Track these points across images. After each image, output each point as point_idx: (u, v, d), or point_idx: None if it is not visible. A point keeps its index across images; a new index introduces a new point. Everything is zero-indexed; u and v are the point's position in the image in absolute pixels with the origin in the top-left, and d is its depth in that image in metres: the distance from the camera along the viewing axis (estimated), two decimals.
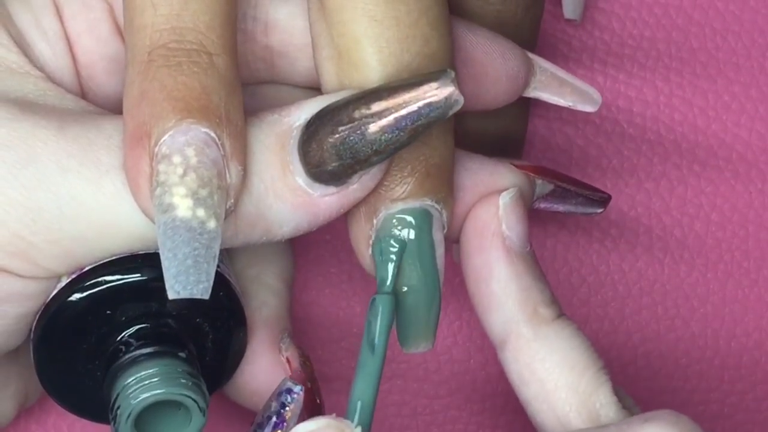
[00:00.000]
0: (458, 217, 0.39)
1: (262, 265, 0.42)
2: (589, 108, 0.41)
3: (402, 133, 0.35)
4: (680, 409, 0.49)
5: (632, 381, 0.49)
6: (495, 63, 0.39)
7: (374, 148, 0.35)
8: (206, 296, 0.34)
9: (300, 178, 0.36)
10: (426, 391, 0.49)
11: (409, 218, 0.37)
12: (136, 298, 0.38)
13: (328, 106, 0.36)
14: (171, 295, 0.34)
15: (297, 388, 0.39)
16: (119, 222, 0.36)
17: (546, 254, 0.49)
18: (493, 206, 0.39)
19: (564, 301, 0.49)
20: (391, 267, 0.37)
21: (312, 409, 0.40)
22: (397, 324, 0.38)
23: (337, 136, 0.35)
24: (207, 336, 0.39)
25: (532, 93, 0.41)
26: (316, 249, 0.48)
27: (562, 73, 0.41)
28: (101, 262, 0.38)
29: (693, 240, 0.49)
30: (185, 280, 0.34)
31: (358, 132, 0.35)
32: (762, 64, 0.49)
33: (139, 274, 0.37)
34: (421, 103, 0.34)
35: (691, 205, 0.49)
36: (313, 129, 0.36)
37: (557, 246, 0.49)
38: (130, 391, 0.37)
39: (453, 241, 0.40)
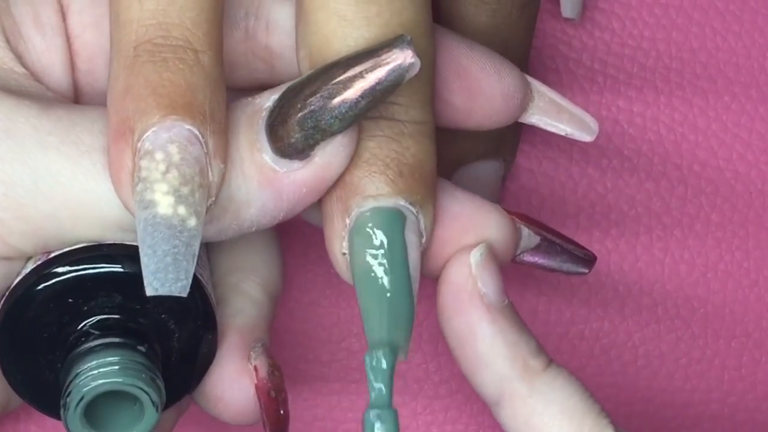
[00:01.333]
0: (436, 253, 0.39)
1: (244, 273, 0.42)
2: (586, 137, 0.41)
3: (361, 100, 0.35)
4: (680, 409, 0.49)
5: (632, 381, 0.49)
6: (490, 79, 0.39)
7: (335, 115, 0.35)
8: (184, 294, 0.34)
9: (266, 155, 0.36)
10: (426, 391, 0.49)
11: (382, 217, 0.37)
12: (101, 289, 0.37)
13: (293, 84, 0.36)
14: (149, 292, 0.34)
15: None
16: (94, 203, 0.36)
17: None
18: (465, 266, 0.38)
19: (564, 301, 0.49)
20: (387, 376, 0.37)
21: (274, 420, 0.39)
22: (367, 327, 0.37)
23: (301, 109, 0.35)
24: (172, 334, 0.38)
25: (530, 119, 0.40)
26: (316, 250, 0.48)
27: (560, 99, 0.41)
28: (68, 249, 0.37)
29: (693, 240, 0.49)
30: (164, 278, 0.34)
31: (320, 103, 0.35)
32: (762, 64, 0.49)
33: (105, 265, 0.37)
34: (378, 69, 0.35)
35: (691, 205, 0.49)
36: (279, 106, 0.36)
37: None
38: (81, 378, 0.37)
39: (432, 273, 0.39)
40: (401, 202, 0.37)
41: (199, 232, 0.34)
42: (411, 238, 0.37)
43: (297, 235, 0.48)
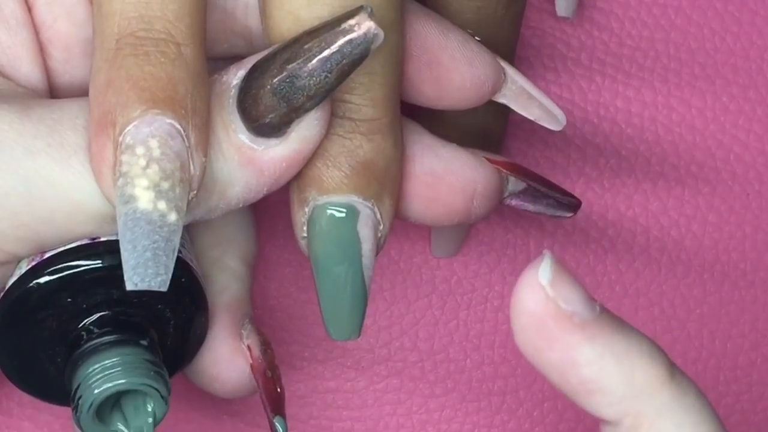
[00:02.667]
0: (429, 214, 0.40)
1: (224, 246, 0.43)
2: (552, 126, 0.42)
3: (329, 75, 0.35)
4: None
5: None
6: (461, 68, 0.40)
7: (305, 92, 0.35)
8: (164, 289, 0.34)
9: (243, 135, 0.36)
10: (421, 389, 0.49)
11: (335, 211, 0.38)
12: (98, 285, 0.38)
13: (258, 61, 0.36)
14: (129, 287, 0.34)
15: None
16: (87, 202, 0.36)
17: None
18: (538, 291, 0.33)
19: None
20: None
21: (273, 398, 0.40)
22: (322, 312, 0.39)
23: (269, 87, 0.36)
24: (168, 322, 0.39)
25: (500, 100, 0.41)
26: None
27: (531, 88, 0.41)
28: (63, 248, 0.38)
29: (690, 241, 0.49)
30: (143, 273, 0.34)
31: (288, 79, 0.35)
32: (760, 66, 0.49)
33: (100, 261, 0.37)
34: (341, 41, 0.35)
35: (688, 206, 0.49)
36: (247, 84, 0.36)
37: (554, 246, 0.49)
38: (91, 381, 0.37)
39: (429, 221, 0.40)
40: (354, 198, 0.37)
41: (179, 228, 0.35)
42: (364, 232, 0.38)
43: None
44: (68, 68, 0.40)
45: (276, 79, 0.35)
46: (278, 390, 0.40)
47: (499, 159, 0.41)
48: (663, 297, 0.49)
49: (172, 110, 0.35)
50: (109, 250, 0.37)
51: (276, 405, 0.40)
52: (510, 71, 0.41)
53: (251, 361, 0.40)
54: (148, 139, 0.34)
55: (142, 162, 0.34)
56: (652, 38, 0.49)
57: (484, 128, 0.45)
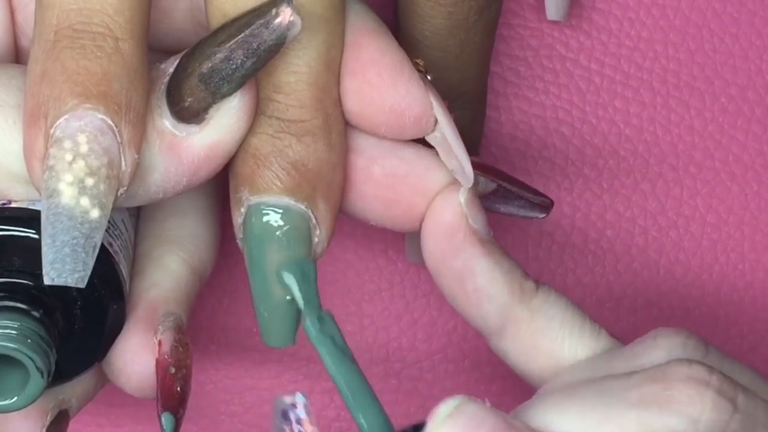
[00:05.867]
0: (395, 215, 0.40)
1: (168, 247, 0.42)
2: (463, 182, 0.40)
3: (244, 60, 0.35)
4: None
5: None
6: (383, 88, 0.39)
7: (222, 77, 0.35)
8: (81, 285, 0.34)
9: (167, 120, 0.36)
10: (420, 390, 0.49)
11: (267, 212, 0.37)
12: (2, 251, 0.37)
13: (188, 49, 0.36)
14: (46, 281, 0.34)
15: (296, 399, 0.37)
16: (4, 158, 0.36)
17: (542, 254, 0.49)
18: (456, 206, 0.40)
19: None
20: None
21: (168, 395, 0.39)
22: (257, 317, 0.38)
23: (191, 72, 0.36)
24: (74, 302, 0.39)
25: (429, 140, 0.40)
26: None
27: (453, 140, 0.39)
28: None
29: (689, 242, 0.49)
30: (61, 268, 0.34)
31: (209, 65, 0.35)
32: (759, 67, 0.49)
33: (8, 228, 0.37)
34: (257, 25, 0.35)
35: (687, 207, 0.49)
36: (175, 71, 0.36)
37: (553, 246, 0.49)
38: None
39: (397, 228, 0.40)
40: (286, 199, 0.37)
41: (101, 225, 0.34)
42: (296, 235, 0.38)
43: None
44: None
45: (198, 63, 0.36)
46: (178, 389, 0.39)
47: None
48: (661, 298, 0.49)
49: (105, 105, 0.35)
50: (19, 216, 0.37)
51: (168, 402, 0.39)
52: (441, 117, 0.39)
53: (157, 356, 0.39)
54: (77, 134, 0.34)
55: (69, 156, 0.34)
56: (651, 39, 0.49)
57: (461, 131, 0.45)
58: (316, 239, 0.38)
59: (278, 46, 0.35)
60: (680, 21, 0.49)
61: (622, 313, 0.49)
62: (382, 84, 0.39)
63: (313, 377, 0.49)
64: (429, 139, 0.40)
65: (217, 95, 0.36)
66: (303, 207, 0.37)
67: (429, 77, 0.40)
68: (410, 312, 0.49)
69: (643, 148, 0.49)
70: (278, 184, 0.37)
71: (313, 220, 0.38)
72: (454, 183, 0.40)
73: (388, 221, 0.40)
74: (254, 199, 0.37)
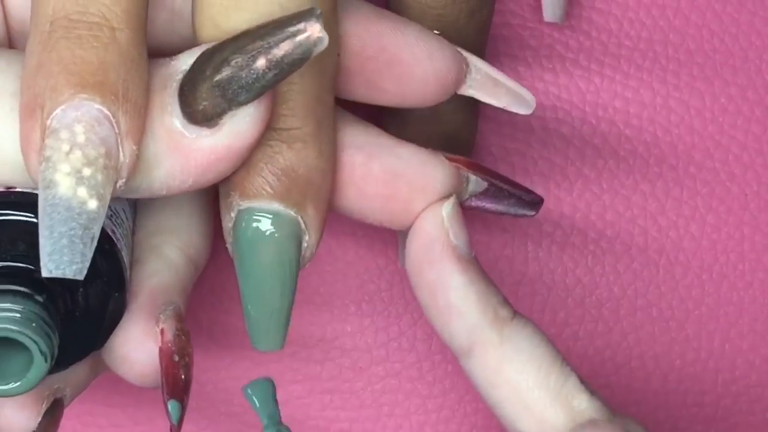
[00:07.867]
0: (388, 215, 0.40)
1: (166, 236, 0.42)
2: (523, 110, 0.41)
3: (267, 71, 0.35)
4: (674, 410, 0.49)
5: (627, 382, 0.49)
6: (421, 63, 0.40)
7: (242, 85, 0.35)
8: (80, 277, 0.34)
9: (177, 119, 0.36)
10: (419, 390, 0.49)
11: (256, 217, 0.37)
12: (5, 235, 0.37)
13: (206, 50, 0.36)
14: (44, 273, 0.34)
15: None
16: (4, 148, 0.36)
17: (542, 254, 0.49)
18: (438, 218, 0.40)
19: (558, 301, 0.49)
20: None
21: (173, 382, 0.39)
22: (246, 321, 0.38)
23: (210, 76, 0.35)
24: (77, 288, 0.38)
25: (468, 92, 0.41)
26: None
27: (497, 74, 0.41)
28: None
29: (688, 242, 0.49)
30: (58, 260, 0.34)
31: (228, 72, 0.35)
32: (759, 66, 0.49)
33: (12, 212, 0.37)
34: (285, 40, 0.35)
35: (686, 207, 0.49)
36: (190, 71, 0.36)
37: (552, 246, 0.49)
38: None
39: (396, 226, 0.40)
40: (276, 205, 0.37)
41: (99, 216, 0.34)
42: (286, 240, 0.37)
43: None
44: (23, 41, 0.39)
45: (217, 68, 0.35)
46: (182, 377, 0.39)
47: (459, 157, 0.41)
48: (661, 298, 0.49)
49: (101, 95, 0.34)
50: (23, 201, 0.37)
51: (174, 389, 0.39)
52: (473, 60, 0.41)
53: (160, 344, 0.39)
54: (74, 124, 0.34)
55: (66, 147, 0.34)
56: (651, 39, 0.49)
57: (452, 134, 0.45)
58: (305, 244, 0.38)
59: (302, 60, 0.35)
60: (680, 21, 0.49)
61: (621, 314, 0.49)
62: (419, 59, 0.39)
63: (313, 378, 0.49)
64: (467, 88, 0.40)
65: (233, 103, 0.35)
66: (293, 213, 0.37)
67: (437, 33, 0.41)
68: (410, 312, 0.49)
69: (643, 148, 0.49)
70: (268, 189, 0.37)
71: (303, 226, 0.38)
72: (445, 197, 0.40)
73: (385, 219, 0.40)
74: (244, 205, 0.37)
